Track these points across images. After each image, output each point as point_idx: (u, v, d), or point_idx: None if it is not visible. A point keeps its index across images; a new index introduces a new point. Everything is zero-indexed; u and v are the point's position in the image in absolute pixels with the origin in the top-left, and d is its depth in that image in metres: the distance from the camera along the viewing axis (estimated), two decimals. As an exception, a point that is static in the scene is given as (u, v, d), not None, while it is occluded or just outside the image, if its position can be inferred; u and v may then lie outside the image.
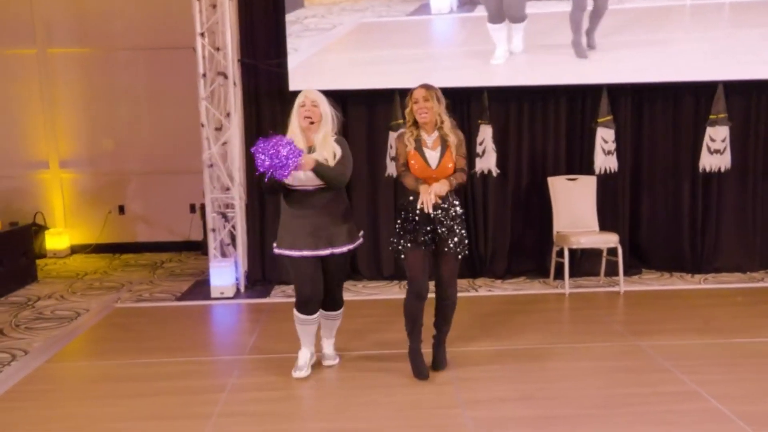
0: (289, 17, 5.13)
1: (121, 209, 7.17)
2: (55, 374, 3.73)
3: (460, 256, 3.37)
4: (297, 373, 3.46)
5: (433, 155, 3.31)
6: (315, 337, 3.54)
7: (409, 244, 3.31)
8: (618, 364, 3.61)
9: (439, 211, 3.29)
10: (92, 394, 3.39)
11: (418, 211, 3.26)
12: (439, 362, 3.51)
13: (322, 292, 3.38)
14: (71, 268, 6.50)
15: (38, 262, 6.24)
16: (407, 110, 3.37)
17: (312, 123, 3.24)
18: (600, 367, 3.60)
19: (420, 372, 3.41)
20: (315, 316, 3.44)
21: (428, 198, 3.18)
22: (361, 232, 3.50)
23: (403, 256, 3.35)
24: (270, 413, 3.09)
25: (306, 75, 5.10)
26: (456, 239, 3.33)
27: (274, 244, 3.39)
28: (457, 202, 3.39)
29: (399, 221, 3.39)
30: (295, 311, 3.43)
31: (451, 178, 3.30)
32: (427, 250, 3.35)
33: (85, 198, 7.13)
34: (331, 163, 3.24)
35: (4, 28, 6.76)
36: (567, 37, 5.23)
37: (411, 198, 3.31)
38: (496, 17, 5.20)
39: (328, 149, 3.25)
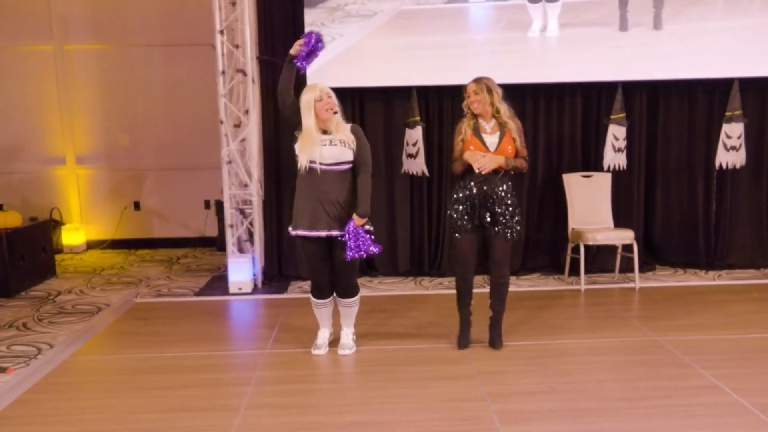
0: (330, 3, 5.23)
1: (137, 205, 7.23)
2: (82, 367, 3.80)
3: (510, 239, 3.62)
4: (315, 351, 3.74)
5: (491, 139, 3.58)
6: (331, 319, 3.81)
7: (469, 226, 3.58)
8: (638, 359, 3.65)
9: (496, 195, 3.55)
10: (120, 386, 3.45)
11: (475, 195, 3.54)
12: (495, 340, 3.77)
13: (328, 276, 3.61)
14: (88, 263, 6.57)
15: (56, 257, 6.31)
16: (464, 104, 3.67)
17: (335, 113, 3.48)
18: (620, 361, 3.64)
19: (461, 342, 3.78)
20: (326, 300, 3.70)
21: (484, 160, 3.48)
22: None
23: (457, 235, 3.62)
24: (297, 405, 3.15)
25: (322, 69, 5.14)
26: (508, 223, 3.59)
27: (290, 228, 3.60)
28: (511, 185, 3.65)
29: (457, 203, 3.61)
30: (310, 295, 3.73)
31: (509, 159, 3.57)
32: (481, 233, 3.63)
33: (101, 194, 7.19)
34: (348, 147, 3.48)
35: (21, 25, 6.81)
36: (583, 32, 5.25)
37: (470, 183, 3.56)
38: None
39: (345, 133, 3.50)
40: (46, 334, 4.30)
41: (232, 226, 5.38)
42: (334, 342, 3.86)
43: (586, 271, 5.29)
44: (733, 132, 5.41)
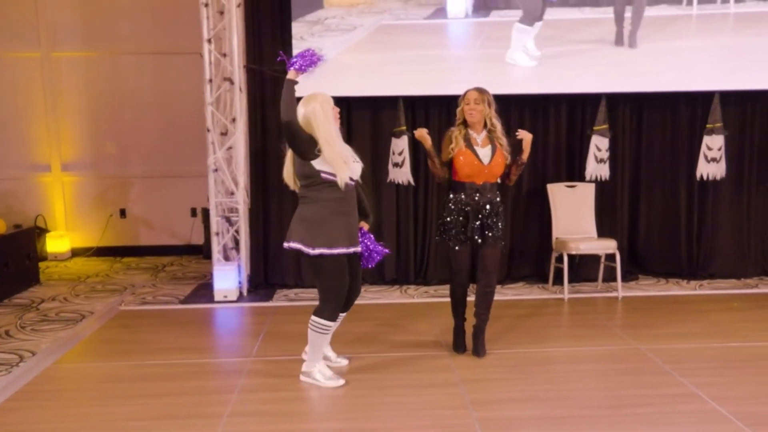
0: (310, 17, 5.25)
1: (123, 213, 7.21)
2: (65, 375, 3.78)
3: (500, 249, 3.75)
4: (336, 382, 3.45)
5: (484, 152, 3.64)
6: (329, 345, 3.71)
7: (461, 237, 3.65)
8: (619, 367, 3.69)
9: (489, 206, 3.65)
10: (103, 394, 3.44)
11: (467, 207, 3.63)
12: (478, 348, 3.78)
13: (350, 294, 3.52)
14: (73, 270, 6.53)
15: (40, 264, 6.27)
16: (459, 109, 3.68)
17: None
18: (602, 369, 3.68)
19: (458, 346, 3.86)
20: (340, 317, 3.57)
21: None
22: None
23: (457, 247, 3.68)
24: (281, 413, 3.15)
25: (310, 79, 5.16)
26: (498, 233, 3.69)
27: (310, 249, 3.24)
28: (498, 195, 3.74)
29: (448, 217, 3.69)
30: (321, 321, 3.35)
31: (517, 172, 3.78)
32: (473, 243, 3.67)
33: (86, 201, 7.16)
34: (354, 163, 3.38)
35: (8, 31, 6.80)
36: (568, 45, 5.33)
37: (462, 195, 3.64)
38: (536, 17, 5.32)
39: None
40: (29, 342, 4.28)
41: (218, 233, 5.38)
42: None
43: (571, 280, 5.35)
44: (713, 144, 5.51)
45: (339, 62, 5.22)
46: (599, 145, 5.57)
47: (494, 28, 5.34)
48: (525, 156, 3.77)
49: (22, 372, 3.73)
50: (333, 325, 3.45)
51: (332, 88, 5.11)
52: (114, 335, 4.45)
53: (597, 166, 5.59)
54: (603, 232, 5.45)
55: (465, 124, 3.69)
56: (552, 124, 5.64)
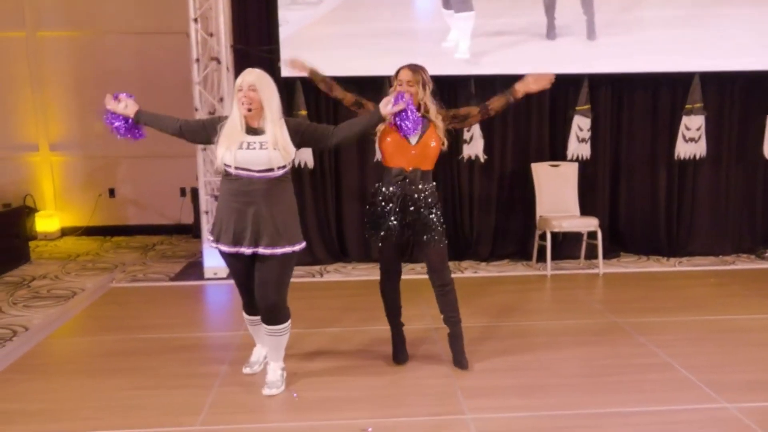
0: None
1: (112, 192, 7.24)
2: (57, 349, 3.86)
3: (443, 243, 3.25)
4: (246, 369, 3.34)
5: None
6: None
7: (381, 233, 3.21)
8: (596, 339, 3.82)
9: (419, 197, 3.19)
10: (94, 367, 3.52)
11: (393, 196, 3.18)
12: (459, 358, 3.36)
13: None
14: (63, 249, 6.58)
15: (30, 243, 6.31)
16: (391, 89, 3.20)
17: (250, 110, 2.89)
18: (579, 341, 3.81)
19: (396, 355, 3.46)
20: (258, 317, 3.17)
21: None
22: (303, 241, 3.07)
23: (379, 242, 3.27)
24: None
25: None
26: (437, 228, 3.22)
27: (209, 235, 3.12)
28: (433, 187, 3.26)
29: (369, 207, 3.28)
30: (243, 311, 3.29)
31: (499, 100, 3.35)
32: (401, 233, 3.23)
33: (75, 181, 7.19)
34: (282, 147, 2.90)
35: (-8, 11, 6.77)
36: (505, 19, 5.36)
37: (378, 185, 3.25)
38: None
39: (279, 132, 2.91)
40: (21, 318, 4.35)
41: (207, 212, 5.44)
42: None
43: (554, 258, 5.47)
44: (692, 124, 5.62)
45: (309, 36, 5.23)
46: (581, 125, 5.67)
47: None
48: (519, 91, 3.33)
49: (15, 346, 3.81)
50: (251, 318, 3.24)
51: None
52: (105, 311, 4.53)
53: (578, 146, 5.69)
54: (585, 210, 5.57)
55: None
56: (535, 104, 5.72)
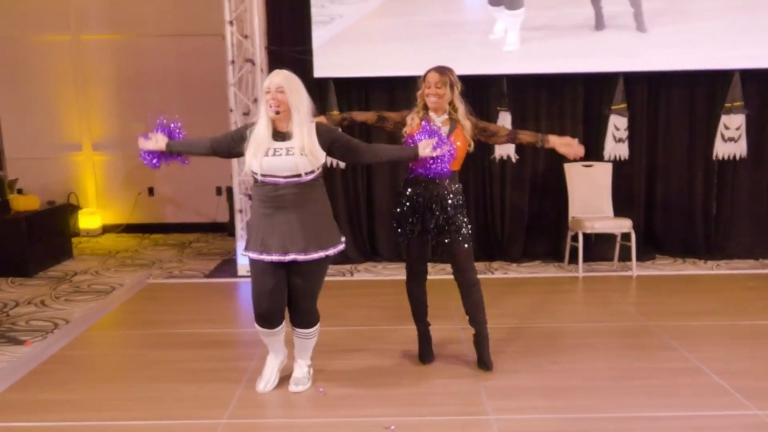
0: None
1: (151, 191, 7.44)
2: (95, 341, 4.01)
3: (468, 243, 3.26)
4: (260, 385, 3.16)
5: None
6: (284, 344, 3.22)
7: (408, 233, 3.26)
8: (626, 342, 3.78)
9: (445, 196, 3.20)
10: (129, 359, 3.66)
11: (417, 197, 3.21)
12: (484, 361, 3.36)
13: (283, 305, 3.03)
14: (103, 246, 6.80)
15: (73, 240, 6.54)
16: (419, 92, 3.24)
17: (278, 113, 2.84)
18: (608, 343, 3.77)
19: (422, 355, 3.48)
20: (278, 328, 3.07)
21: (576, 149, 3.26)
22: (343, 238, 3.08)
23: (404, 241, 3.31)
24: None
25: (329, 59, 5.31)
26: (461, 230, 3.22)
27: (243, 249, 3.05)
28: (459, 188, 3.27)
29: (398, 209, 3.30)
30: (255, 322, 3.07)
31: (530, 136, 3.31)
32: (427, 233, 3.25)
33: (116, 179, 7.42)
34: (310, 152, 2.85)
35: (40, 15, 7.02)
36: (586, 21, 5.33)
37: (414, 183, 3.23)
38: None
39: (308, 137, 2.86)
40: (63, 311, 4.52)
41: (241, 211, 5.55)
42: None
43: (587, 260, 5.41)
44: (731, 123, 5.48)
45: (357, 29, 5.30)
46: (617, 124, 5.58)
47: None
48: (550, 143, 3.30)
49: (56, 338, 3.96)
50: (263, 331, 3.07)
51: (347, 66, 5.33)
52: (141, 306, 4.67)
53: (615, 146, 5.60)
54: (620, 211, 5.49)
55: (426, 108, 3.23)
56: (569, 104, 5.67)
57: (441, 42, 5.31)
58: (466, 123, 3.23)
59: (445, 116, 3.24)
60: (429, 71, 3.22)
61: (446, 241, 3.25)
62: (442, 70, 3.21)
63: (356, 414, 2.94)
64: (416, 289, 3.44)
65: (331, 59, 5.38)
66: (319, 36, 5.37)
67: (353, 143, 3.04)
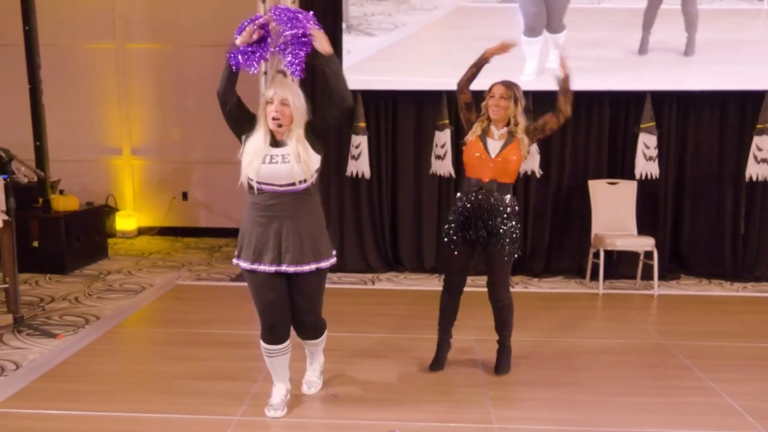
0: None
1: (185, 195, 7.68)
2: (124, 337, 4.20)
3: (508, 258, 3.33)
4: (272, 413, 3.04)
5: (495, 144, 3.30)
6: (288, 369, 3.10)
7: (455, 238, 3.36)
8: (639, 359, 3.78)
9: (494, 208, 3.29)
10: (154, 355, 3.83)
11: (469, 206, 3.31)
12: (501, 366, 3.50)
13: (290, 318, 2.95)
14: (138, 247, 7.05)
15: (109, 240, 6.81)
16: (483, 103, 3.35)
17: (280, 126, 2.77)
18: (621, 360, 3.78)
19: (436, 362, 3.54)
20: (284, 345, 2.97)
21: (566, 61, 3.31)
22: (334, 251, 3.00)
23: (452, 247, 3.39)
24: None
25: (357, 74, 5.46)
26: (508, 240, 3.31)
27: (234, 257, 2.95)
28: (513, 200, 3.37)
29: (452, 215, 3.42)
30: (260, 341, 2.99)
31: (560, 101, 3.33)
32: (473, 247, 3.37)
33: (152, 183, 7.68)
34: (303, 161, 2.77)
35: (87, 24, 7.35)
36: (611, 41, 5.36)
37: (465, 192, 3.35)
38: (535, 29, 5.35)
39: (302, 148, 2.78)
40: (95, 308, 4.72)
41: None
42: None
43: (610, 277, 5.41)
44: (764, 144, 5.43)
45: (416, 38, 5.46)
46: (647, 142, 5.57)
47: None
48: (564, 74, 3.34)
49: (87, 333, 4.16)
50: (269, 348, 2.97)
51: (379, 79, 5.46)
52: (169, 306, 4.86)
53: (646, 164, 5.59)
54: (645, 230, 5.46)
55: (489, 118, 3.35)
56: (596, 122, 5.69)
57: (468, 57, 5.38)
58: (524, 138, 3.33)
59: (505, 129, 3.34)
60: (495, 84, 3.34)
61: (492, 249, 3.32)
62: (508, 84, 3.32)
63: (363, 417, 3.03)
64: (451, 302, 3.52)
65: (358, 76, 5.51)
66: (349, 51, 5.52)
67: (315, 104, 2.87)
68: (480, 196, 3.30)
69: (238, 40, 2.80)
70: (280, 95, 2.77)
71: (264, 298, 2.87)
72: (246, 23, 2.82)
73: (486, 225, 3.30)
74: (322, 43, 2.78)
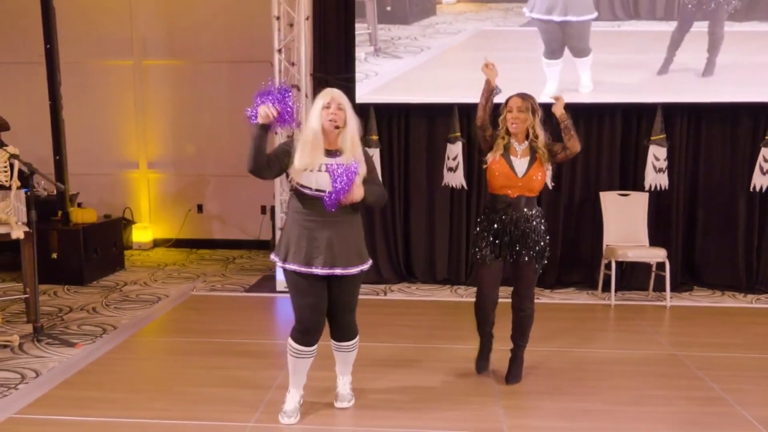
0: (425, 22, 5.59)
1: (200, 208, 7.79)
2: (140, 346, 4.27)
3: (539, 267, 3.42)
4: (285, 420, 3.08)
5: (520, 163, 3.33)
6: (306, 377, 3.18)
7: (491, 255, 3.39)
8: (651, 369, 3.79)
9: (523, 222, 3.34)
10: (170, 364, 3.89)
11: (501, 223, 3.36)
12: (513, 375, 3.53)
13: (325, 320, 3.06)
14: (153, 259, 7.15)
15: (125, 252, 6.91)
16: (501, 117, 3.37)
17: (337, 127, 2.85)
18: (633, 370, 3.78)
19: (479, 364, 3.66)
20: (313, 348, 3.05)
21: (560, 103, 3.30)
22: (370, 259, 3.12)
23: (480, 262, 3.44)
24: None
25: (369, 88, 5.54)
26: (537, 250, 3.37)
27: (275, 256, 3.02)
28: (540, 211, 3.43)
29: (479, 228, 3.46)
30: (290, 341, 3.05)
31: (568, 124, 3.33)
32: (504, 260, 3.42)
33: (168, 196, 7.81)
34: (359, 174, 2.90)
35: (106, 41, 7.52)
36: (624, 55, 5.41)
37: (494, 208, 3.39)
38: (555, 52, 5.42)
39: (358, 154, 2.91)
40: (112, 318, 4.81)
41: (282, 229, 5.78)
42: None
43: (622, 288, 5.42)
44: (772, 156, 5.43)
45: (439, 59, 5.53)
46: (657, 154, 5.60)
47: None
48: (558, 113, 3.33)
49: (104, 342, 4.24)
50: (300, 349, 3.03)
51: (393, 95, 5.54)
52: (184, 316, 4.93)
53: (656, 176, 5.61)
54: (657, 242, 5.47)
55: (509, 132, 3.37)
56: (607, 134, 5.72)
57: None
58: (546, 153, 3.35)
59: (526, 144, 3.37)
60: (511, 97, 3.36)
61: (523, 259, 3.36)
62: (525, 96, 3.34)
63: (375, 424, 3.06)
64: (484, 315, 3.56)
65: (386, 96, 5.60)
66: (361, 67, 5.61)
67: (375, 183, 3.03)
68: (511, 213, 3.36)
69: (259, 119, 2.86)
70: (337, 99, 2.87)
71: (308, 300, 2.96)
72: (259, 100, 2.89)
73: (519, 240, 3.36)
74: (354, 197, 2.89)
